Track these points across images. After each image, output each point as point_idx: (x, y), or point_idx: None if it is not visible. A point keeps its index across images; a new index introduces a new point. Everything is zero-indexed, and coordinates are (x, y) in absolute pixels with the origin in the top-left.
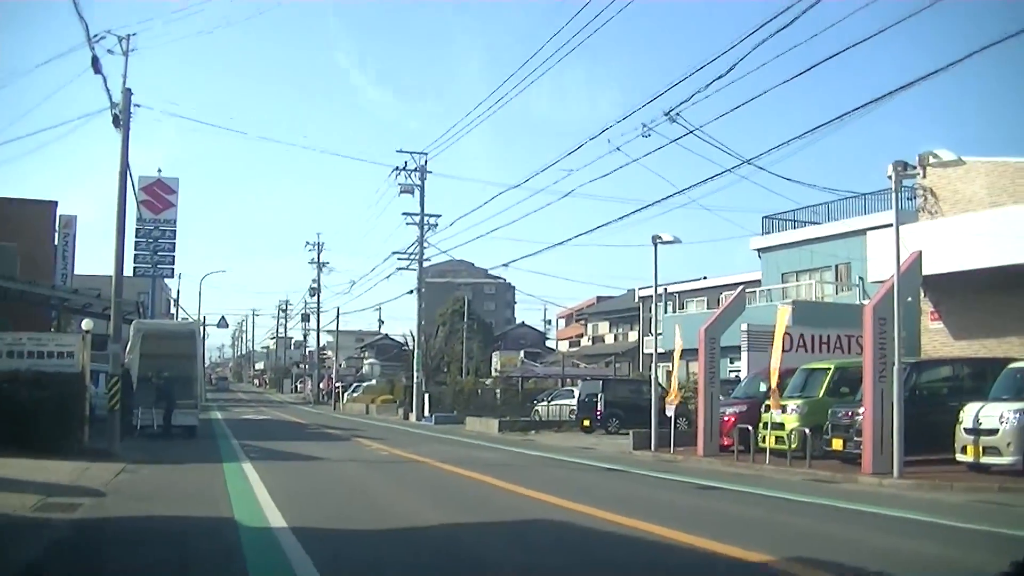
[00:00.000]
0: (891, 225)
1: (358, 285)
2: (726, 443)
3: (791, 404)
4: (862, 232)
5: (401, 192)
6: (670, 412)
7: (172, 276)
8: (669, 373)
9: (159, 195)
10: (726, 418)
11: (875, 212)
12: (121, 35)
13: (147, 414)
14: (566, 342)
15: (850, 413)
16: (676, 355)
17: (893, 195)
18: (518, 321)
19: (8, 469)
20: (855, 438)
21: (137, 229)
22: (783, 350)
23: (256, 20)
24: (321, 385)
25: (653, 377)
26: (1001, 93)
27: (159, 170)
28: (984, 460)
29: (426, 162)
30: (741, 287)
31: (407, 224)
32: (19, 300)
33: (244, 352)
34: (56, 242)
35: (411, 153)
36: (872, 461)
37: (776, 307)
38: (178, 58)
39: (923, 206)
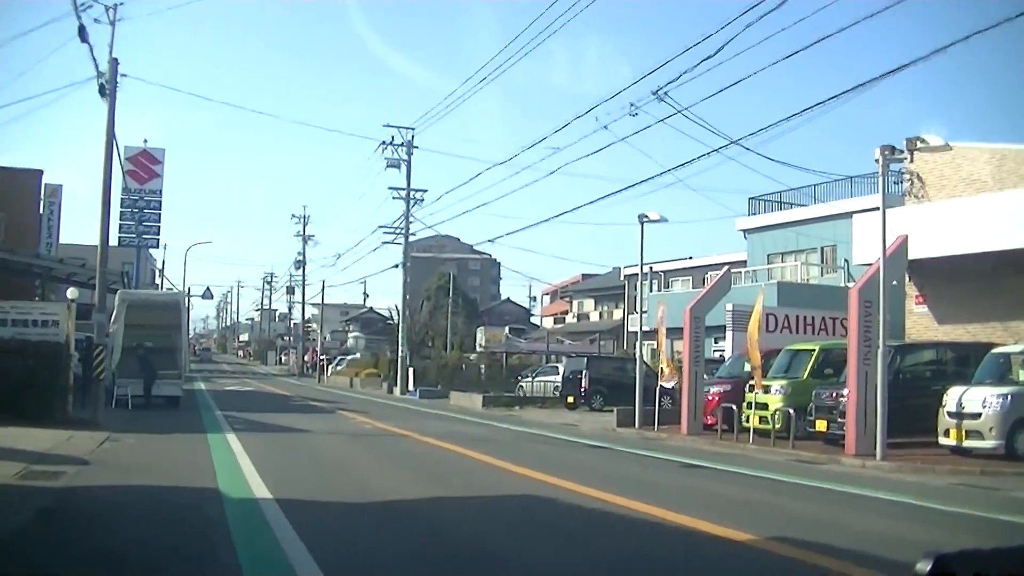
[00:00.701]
0: (877, 208)
1: (344, 258)
2: (710, 422)
3: (775, 384)
4: (848, 215)
5: (388, 166)
6: (667, 386)
7: (157, 246)
8: (654, 351)
9: (145, 165)
10: (710, 397)
11: (861, 195)
12: (108, 4)
13: (133, 384)
14: (551, 319)
15: (834, 395)
16: (661, 331)
17: (880, 179)
18: (503, 297)
19: None
20: (839, 419)
21: (122, 199)
22: (767, 330)
23: None
24: (306, 358)
25: (638, 355)
26: (995, 78)
27: (145, 140)
28: (966, 444)
29: (413, 137)
30: (726, 267)
31: (393, 198)
32: (3, 269)
33: (229, 324)
34: (41, 211)
35: (399, 128)
36: (855, 443)
37: (761, 287)
38: (165, 28)
39: (909, 190)
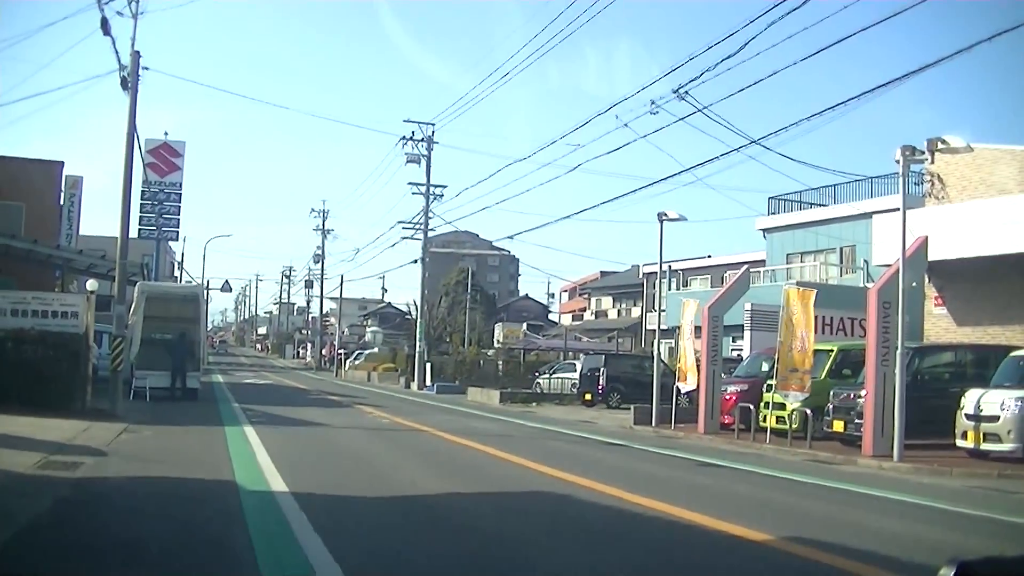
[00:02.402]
0: (897, 209)
1: (362, 253)
2: (727, 421)
3: None
4: (868, 215)
5: (408, 162)
6: (684, 389)
7: (177, 239)
8: (672, 349)
9: (165, 158)
10: (727, 396)
11: (882, 196)
12: None
13: (151, 376)
14: (569, 315)
15: (852, 395)
16: (684, 330)
17: (900, 179)
18: (521, 293)
19: (11, 426)
20: (856, 420)
21: (143, 192)
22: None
23: None
24: (323, 352)
25: (656, 353)
26: (1019, 80)
27: (165, 133)
28: (984, 446)
29: (433, 132)
30: (745, 266)
31: (413, 194)
32: (24, 259)
33: (247, 317)
34: (62, 202)
35: (419, 123)
36: (872, 444)
37: (782, 287)
38: (188, 21)
39: (930, 191)
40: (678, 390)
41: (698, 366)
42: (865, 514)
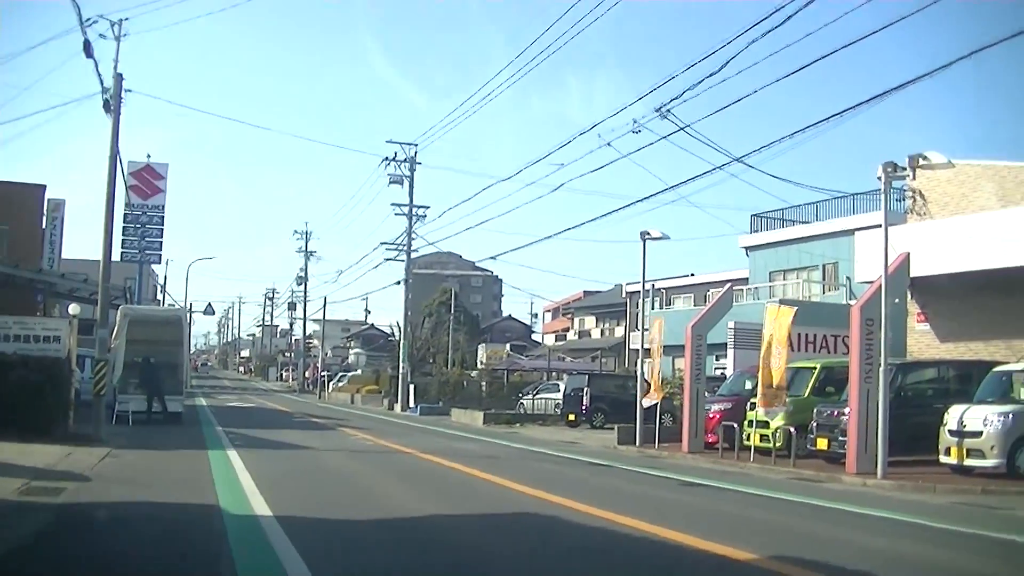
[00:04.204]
0: (880, 226)
1: (345, 274)
2: (711, 440)
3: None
4: (850, 232)
5: (391, 183)
6: (647, 404)
7: (159, 262)
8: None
9: (148, 180)
10: (711, 415)
11: (864, 212)
12: (113, 20)
13: (134, 400)
14: (552, 335)
15: (835, 413)
16: (656, 348)
17: (882, 196)
18: (505, 314)
19: None
20: (840, 438)
21: (125, 214)
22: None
23: (247, 7)
24: (307, 374)
25: (639, 373)
26: (999, 96)
27: (148, 156)
28: (968, 462)
29: (416, 153)
30: (728, 285)
31: (396, 215)
32: (5, 284)
33: (230, 339)
34: (44, 226)
35: (401, 144)
36: (856, 461)
37: (764, 305)
38: (170, 44)
39: (912, 208)
40: (643, 406)
41: (682, 385)
42: (850, 532)
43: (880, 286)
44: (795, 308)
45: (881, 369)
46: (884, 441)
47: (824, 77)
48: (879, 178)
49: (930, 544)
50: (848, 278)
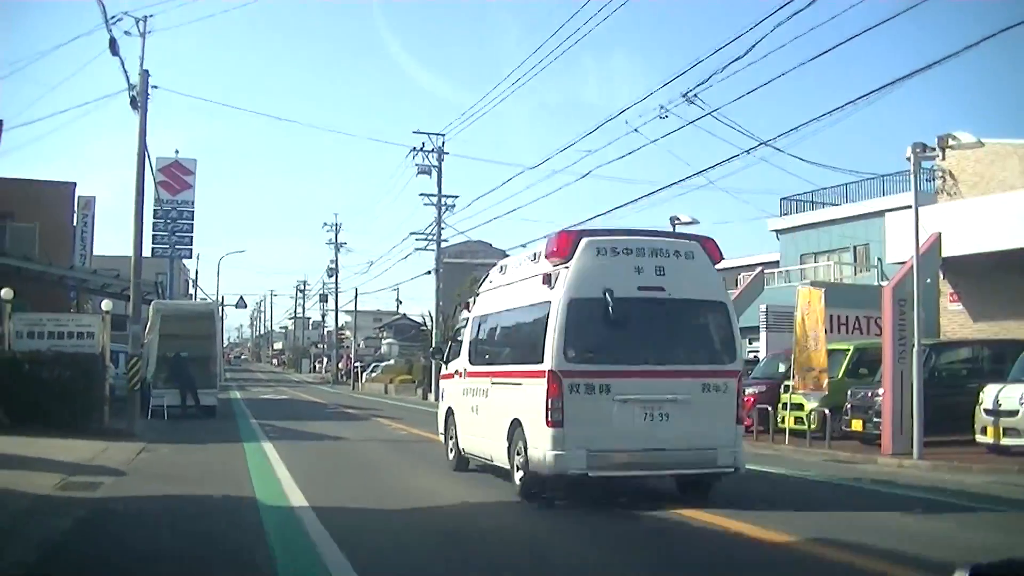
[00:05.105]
0: (910, 207)
1: (376, 265)
2: (745, 423)
3: None
4: (881, 214)
5: (419, 173)
6: None
7: (190, 256)
8: None
9: (177, 176)
10: (745, 399)
11: (894, 194)
12: (138, 16)
13: (169, 394)
14: None
15: (869, 394)
16: None
17: (912, 177)
18: None
19: (30, 448)
20: (874, 419)
21: (155, 210)
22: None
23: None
24: (340, 365)
25: None
26: None
27: (176, 151)
28: (1004, 442)
29: (443, 143)
30: (759, 268)
31: (425, 205)
32: (38, 281)
33: (262, 332)
34: (75, 223)
35: (429, 134)
36: (892, 442)
37: (796, 288)
38: (196, 38)
39: (942, 188)
40: None
41: None
42: (886, 512)
43: (912, 266)
44: (823, 289)
45: (914, 349)
46: (919, 422)
47: (852, 58)
48: (908, 159)
49: (966, 523)
50: (879, 259)
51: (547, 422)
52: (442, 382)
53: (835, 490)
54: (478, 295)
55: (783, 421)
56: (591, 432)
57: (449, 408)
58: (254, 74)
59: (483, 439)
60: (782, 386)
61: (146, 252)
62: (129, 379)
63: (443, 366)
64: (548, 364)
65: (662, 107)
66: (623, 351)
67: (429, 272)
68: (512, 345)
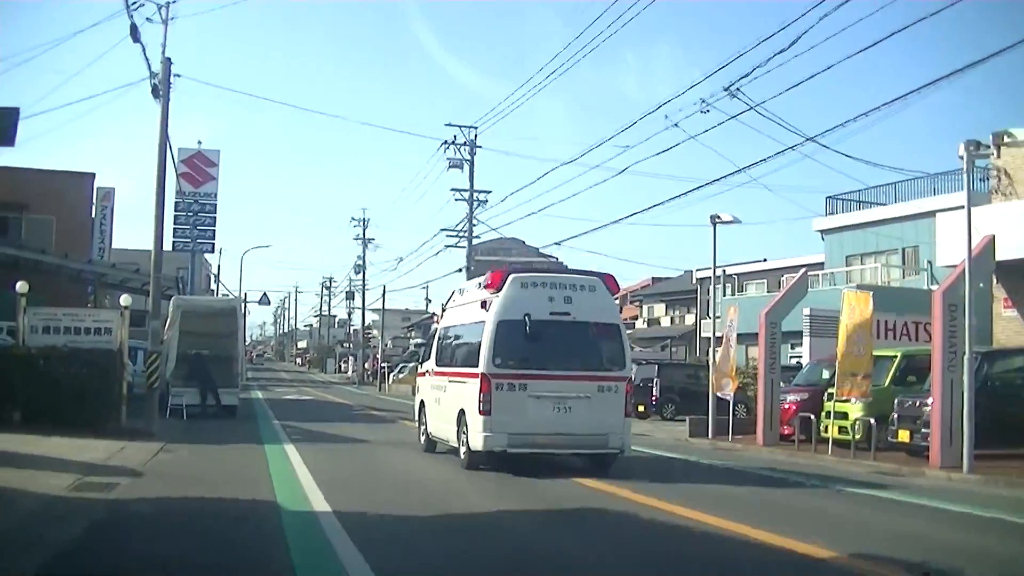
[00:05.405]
0: (962, 207)
1: (405, 262)
2: (786, 432)
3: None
4: (931, 214)
5: (450, 167)
6: (724, 395)
7: (212, 251)
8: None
9: (199, 168)
10: (787, 406)
11: (945, 193)
12: (160, 2)
13: (188, 393)
14: None
15: (918, 403)
16: (729, 336)
17: (965, 176)
18: None
19: (44, 447)
20: (923, 430)
21: (176, 203)
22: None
23: None
24: (366, 365)
25: (711, 362)
26: None
27: (199, 142)
28: None
29: (476, 136)
30: (803, 270)
31: (456, 200)
32: (55, 274)
33: (286, 330)
34: (93, 215)
35: (460, 127)
36: (941, 454)
37: (841, 291)
38: (221, 27)
39: (997, 187)
40: (717, 398)
41: (754, 374)
42: (935, 528)
43: (963, 270)
44: (871, 293)
45: (966, 357)
46: (970, 433)
47: (903, 50)
48: (961, 157)
49: (1021, 541)
50: (929, 262)
51: (479, 411)
52: (418, 379)
53: (880, 504)
54: (445, 310)
55: (826, 430)
56: (512, 420)
57: (422, 401)
58: (280, 66)
59: (443, 424)
60: (825, 394)
61: (167, 246)
62: (147, 377)
63: (419, 366)
64: (481, 368)
65: (703, 101)
66: (537, 360)
67: (460, 270)
68: (461, 352)
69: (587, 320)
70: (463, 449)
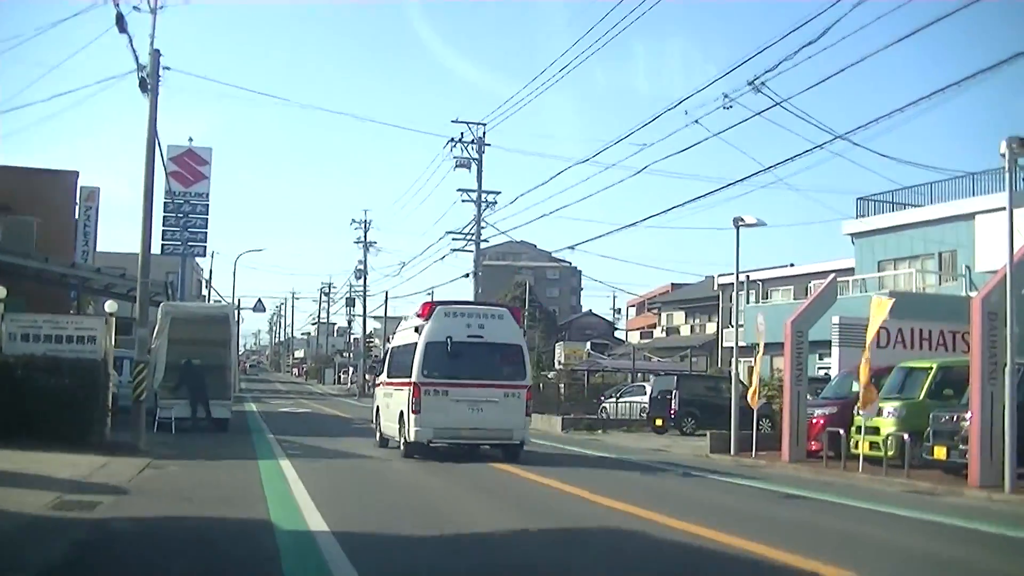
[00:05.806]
0: (1004, 208)
1: (408, 267)
2: (814, 448)
3: (888, 406)
4: (970, 216)
5: (456, 166)
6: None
7: (204, 255)
8: (751, 369)
9: (190, 166)
10: (814, 420)
11: (985, 194)
12: None
13: (178, 405)
14: (637, 333)
15: (955, 418)
16: (760, 347)
17: (1006, 175)
18: (584, 309)
19: (21, 463)
20: (960, 446)
21: (166, 203)
22: (877, 346)
23: None
24: (367, 376)
25: (734, 373)
26: None
27: (190, 139)
28: None
29: (484, 133)
30: (832, 275)
31: (463, 201)
32: (36, 279)
33: (282, 339)
34: (77, 216)
35: (468, 123)
36: (979, 472)
37: (872, 298)
38: (216, 22)
39: None
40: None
41: (779, 386)
42: (976, 552)
43: (1005, 275)
44: (892, 299)
45: (1007, 369)
46: (1012, 450)
47: (942, 41)
48: (1003, 154)
49: None
50: (968, 267)
51: (412, 411)
52: (375, 388)
53: (914, 525)
54: (395, 332)
55: (856, 446)
56: (436, 418)
57: (377, 406)
58: (278, 62)
59: (390, 423)
60: (855, 407)
61: (155, 249)
62: (134, 388)
63: (375, 377)
64: (414, 378)
65: (726, 96)
66: (457, 371)
67: (467, 275)
68: (402, 366)
69: (496, 341)
70: (402, 441)
